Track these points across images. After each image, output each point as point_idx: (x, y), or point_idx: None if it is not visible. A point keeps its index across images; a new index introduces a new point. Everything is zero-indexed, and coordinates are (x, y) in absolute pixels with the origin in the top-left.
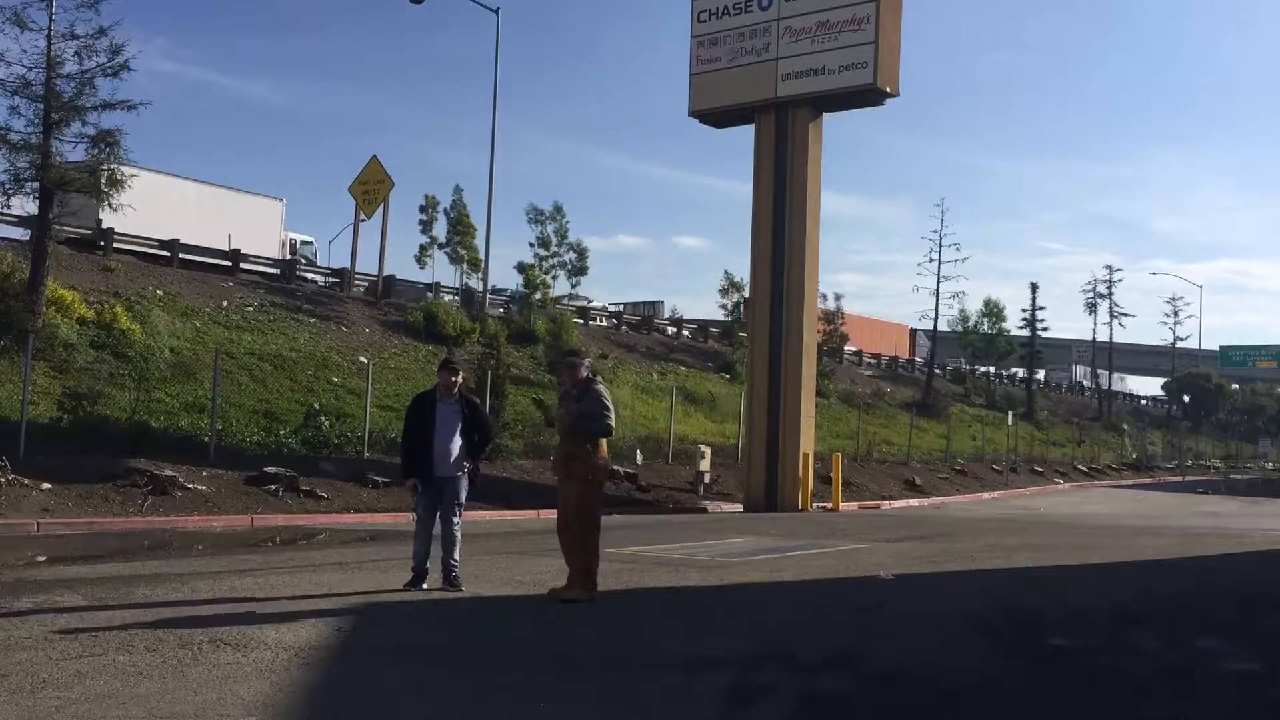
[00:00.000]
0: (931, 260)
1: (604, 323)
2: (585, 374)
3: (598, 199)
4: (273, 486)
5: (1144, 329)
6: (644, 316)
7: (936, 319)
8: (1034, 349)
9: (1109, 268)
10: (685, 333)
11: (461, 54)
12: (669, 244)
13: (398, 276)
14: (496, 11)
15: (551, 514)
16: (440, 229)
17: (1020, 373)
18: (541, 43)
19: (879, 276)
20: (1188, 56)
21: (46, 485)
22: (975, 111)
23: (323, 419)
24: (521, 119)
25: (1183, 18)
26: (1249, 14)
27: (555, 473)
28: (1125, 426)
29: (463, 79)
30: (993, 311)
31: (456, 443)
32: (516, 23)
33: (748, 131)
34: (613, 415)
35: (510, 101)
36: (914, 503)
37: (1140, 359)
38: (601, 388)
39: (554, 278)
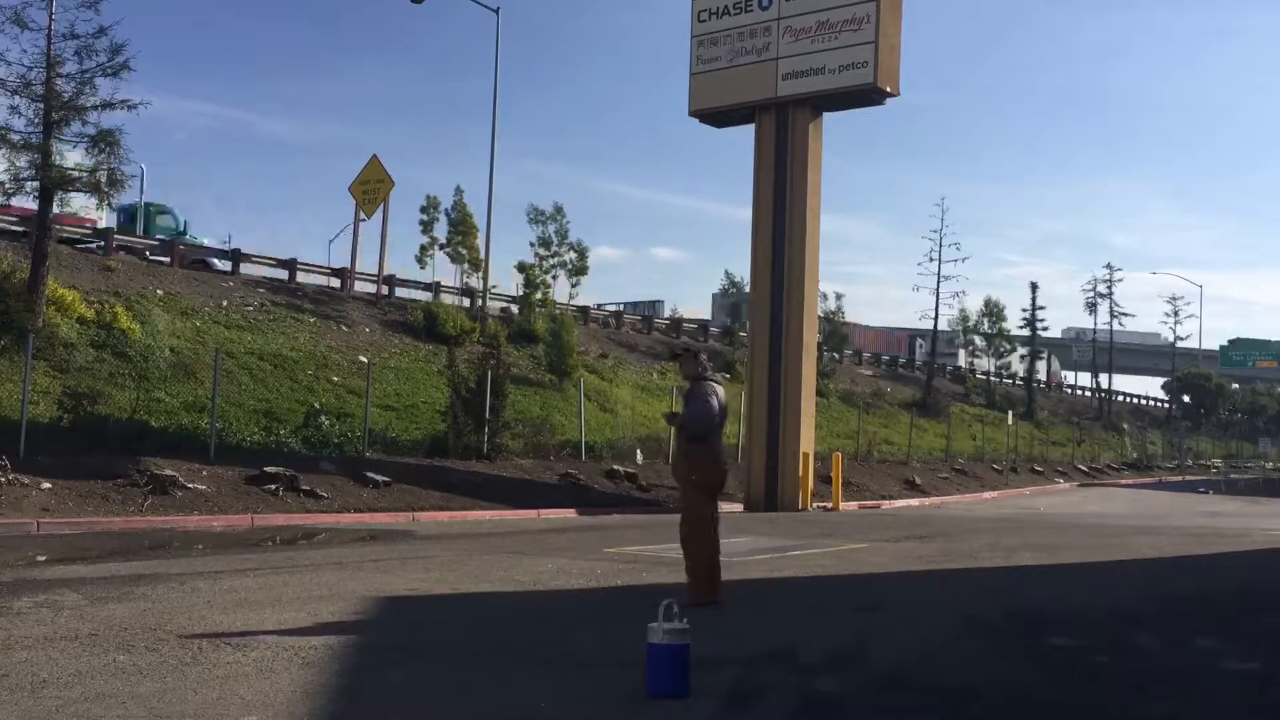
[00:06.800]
0: (931, 260)
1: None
2: (699, 369)
3: (585, 213)
4: (273, 486)
5: (1145, 329)
6: (644, 316)
7: (936, 319)
8: (1034, 349)
9: (1109, 267)
10: (685, 334)
11: (463, 93)
12: (646, 255)
13: (398, 276)
14: (497, 11)
15: (552, 513)
16: (441, 230)
17: (1020, 371)
18: (528, 70)
19: (851, 285)
20: (1130, 95)
21: (46, 484)
22: (925, 141)
23: (323, 418)
24: (515, 143)
25: (1123, 60)
26: (1180, 57)
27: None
28: (1125, 426)
29: (460, 112)
30: (993, 311)
31: None
32: (504, 58)
33: (734, 143)
34: (711, 410)
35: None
36: (914, 502)
37: (1141, 359)
38: (708, 384)
39: (554, 277)
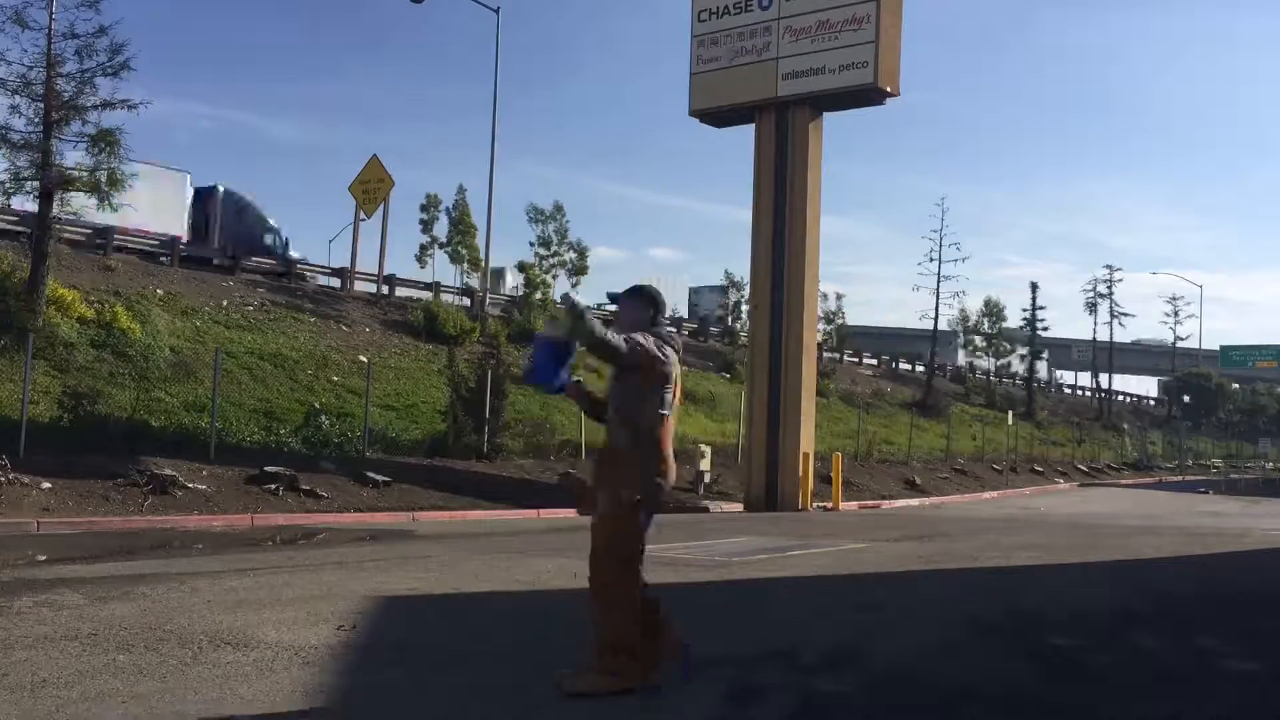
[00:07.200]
0: (931, 260)
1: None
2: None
3: (585, 213)
4: (273, 486)
5: (1144, 329)
6: None
7: (936, 318)
8: (1034, 349)
9: (1109, 268)
10: (685, 332)
11: (463, 93)
12: (643, 255)
13: (398, 276)
14: (497, 11)
15: (551, 513)
16: (441, 229)
17: (1020, 371)
18: (528, 71)
19: (851, 285)
20: (1126, 98)
21: (46, 484)
22: (925, 141)
23: (323, 418)
24: (514, 143)
25: (1115, 64)
26: (1175, 61)
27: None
28: (1125, 426)
29: (460, 112)
30: (993, 311)
31: None
32: (499, 70)
33: (734, 143)
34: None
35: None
36: (914, 502)
37: (1140, 359)
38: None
39: (554, 277)
